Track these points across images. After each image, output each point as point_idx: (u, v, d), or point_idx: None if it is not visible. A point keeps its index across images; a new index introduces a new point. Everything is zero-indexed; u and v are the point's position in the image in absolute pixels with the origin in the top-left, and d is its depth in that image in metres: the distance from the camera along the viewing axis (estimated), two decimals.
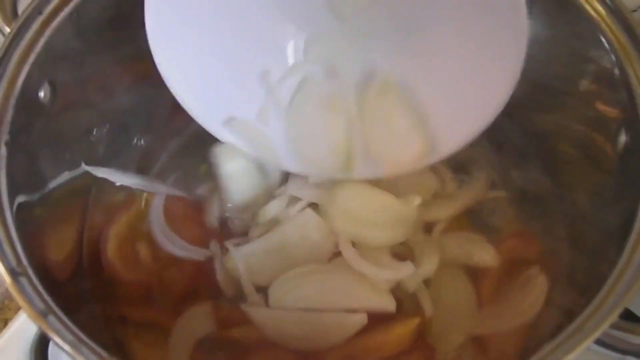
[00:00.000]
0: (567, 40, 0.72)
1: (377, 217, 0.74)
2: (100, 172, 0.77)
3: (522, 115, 0.79)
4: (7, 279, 0.53)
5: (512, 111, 0.66)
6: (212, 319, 0.74)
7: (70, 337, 0.51)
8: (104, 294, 0.76)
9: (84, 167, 0.76)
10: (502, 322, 0.72)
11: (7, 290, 0.86)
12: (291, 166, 0.76)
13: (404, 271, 0.73)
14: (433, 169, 0.81)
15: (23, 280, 0.54)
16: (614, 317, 0.53)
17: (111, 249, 0.77)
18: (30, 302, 0.52)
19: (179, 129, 0.86)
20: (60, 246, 0.72)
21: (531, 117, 0.81)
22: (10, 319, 0.84)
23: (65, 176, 0.73)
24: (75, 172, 0.75)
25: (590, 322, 0.53)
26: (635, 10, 0.84)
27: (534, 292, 0.72)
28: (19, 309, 0.84)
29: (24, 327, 0.80)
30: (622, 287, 0.53)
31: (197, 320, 0.73)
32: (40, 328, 0.52)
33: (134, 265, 0.77)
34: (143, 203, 0.81)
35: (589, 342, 0.51)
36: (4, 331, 0.82)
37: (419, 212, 0.76)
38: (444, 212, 0.80)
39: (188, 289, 0.77)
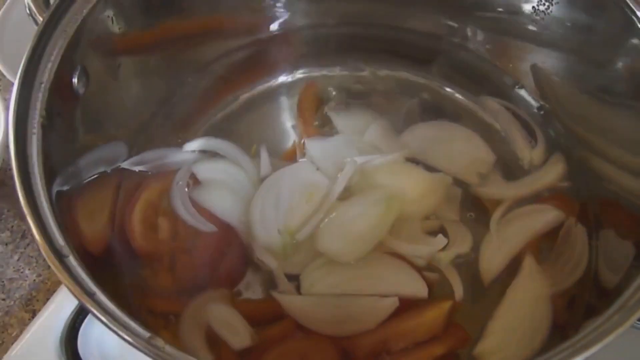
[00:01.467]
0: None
1: (410, 188, 0.77)
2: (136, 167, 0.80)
3: None
4: (54, 261, 0.53)
5: None
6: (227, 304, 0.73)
7: (117, 315, 0.51)
8: (134, 280, 0.76)
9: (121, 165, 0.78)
10: (564, 277, 0.74)
11: (34, 281, 0.88)
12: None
13: (436, 245, 0.74)
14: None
15: (68, 261, 0.54)
16: None
17: (136, 223, 0.78)
18: (77, 282, 0.52)
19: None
20: (94, 230, 0.72)
21: None
22: (38, 310, 0.84)
23: (101, 169, 0.74)
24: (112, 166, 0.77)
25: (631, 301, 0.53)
26: None
27: (578, 241, 0.75)
28: (47, 300, 0.84)
29: (52, 318, 0.81)
30: None
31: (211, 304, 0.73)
32: (86, 308, 0.52)
33: (154, 240, 0.78)
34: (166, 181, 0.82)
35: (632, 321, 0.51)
36: (32, 322, 0.82)
37: (474, 190, 0.80)
38: (510, 192, 0.81)
39: (202, 275, 0.76)
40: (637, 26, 0.68)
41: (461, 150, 0.84)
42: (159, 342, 0.50)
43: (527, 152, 0.83)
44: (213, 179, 0.80)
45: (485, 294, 0.74)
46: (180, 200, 0.78)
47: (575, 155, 0.83)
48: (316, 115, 0.88)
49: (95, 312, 0.51)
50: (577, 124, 0.83)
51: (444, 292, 0.74)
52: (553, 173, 0.81)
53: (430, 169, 0.82)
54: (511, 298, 0.72)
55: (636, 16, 0.68)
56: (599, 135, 0.78)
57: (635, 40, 0.68)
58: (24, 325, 0.84)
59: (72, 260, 0.55)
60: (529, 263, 0.74)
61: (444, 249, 0.76)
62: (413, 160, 0.82)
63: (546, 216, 0.77)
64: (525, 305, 0.71)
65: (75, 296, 0.52)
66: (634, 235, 0.69)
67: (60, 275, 0.53)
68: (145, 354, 0.49)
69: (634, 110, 0.70)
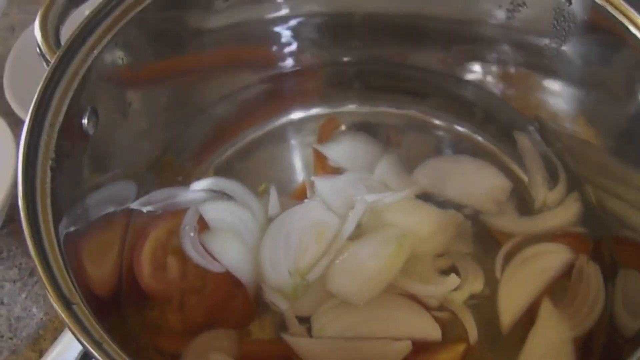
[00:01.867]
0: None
1: (421, 226, 0.76)
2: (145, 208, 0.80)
3: None
4: (62, 309, 0.53)
5: None
6: (233, 346, 0.73)
7: None
8: (141, 319, 0.76)
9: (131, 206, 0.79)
10: (582, 318, 0.72)
11: (41, 319, 0.87)
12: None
13: (449, 284, 0.73)
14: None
15: (76, 309, 0.53)
16: None
17: (145, 262, 0.77)
18: (85, 331, 0.52)
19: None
20: (102, 271, 0.72)
21: None
22: (45, 349, 0.83)
23: (109, 210, 0.74)
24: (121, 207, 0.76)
25: None
26: None
27: (592, 280, 0.74)
28: (54, 339, 0.83)
29: (59, 357, 0.80)
30: None
31: (215, 343, 0.72)
32: (94, 356, 0.51)
33: (163, 280, 0.77)
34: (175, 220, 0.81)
35: None
36: None
37: (487, 221, 0.80)
38: (523, 227, 0.80)
39: (212, 316, 0.75)
40: None
41: (476, 179, 0.84)
42: None
43: (543, 193, 0.82)
44: (220, 220, 0.79)
45: (504, 340, 0.73)
46: (189, 241, 0.78)
47: (588, 195, 0.82)
48: None
49: None
50: (589, 168, 0.82)
51: (458, 334, 0.73)
52: (568, 214, 0.80)
53: (443, 203, 0.81)
54: (532, 344, 0.70)
55: None
56: (613, 179, 0.78)
57: None
58: None
59: (80, 308, 0.54)
60: (546, 307, 0.73)
61: (456, 288, 0.75)
62: (425, 195, 0.82)
63: (561, 257, 0.76)
64: (547, 351, 0.70)
65: (83, 345, 0.51)
66: None
67: (69, 324, 0.52)
68: None
69: None
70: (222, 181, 0.83)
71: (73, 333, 0.51)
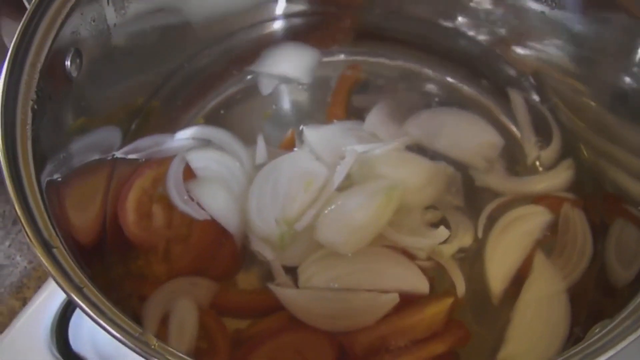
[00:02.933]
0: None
1: (410, 177, 0.76)
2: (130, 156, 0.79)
3: None
4: (41, 252, 0.51)
5: None
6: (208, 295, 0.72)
7: (105, 309, 0.49)
8: (125, 268, 0.75)
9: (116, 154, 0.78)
10: (572, 267, 0.72)
11: (25, 268, 0.86)
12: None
13: (438, 237, 0.73)
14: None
15: (57, 252, 0.52)
16: None
17: (130, 210, 0.76)
18: (65, 275, 0.50)
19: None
20: (85, 219, 0.70)
21: None
22: (29, 297, 0.82)
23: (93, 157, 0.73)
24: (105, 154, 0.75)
25: None
26: None
27: (578, 227, 0.74)
28: (38, 287, 0.82)
29: (43, 306, 0.79)
30: None
31: (187, 289, 0.72)
32: (74, 302, 0.50)
33: (148, 228, 0.76)
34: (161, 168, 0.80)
35: None
36: (23, 310, 0.80)
37: (476, 177, 0.79)
38: (512, 186, 0.79)
39: (197, 266, 0.75)
40: None
41: (467, 134, 0.82)
42: (151, 340, 0.48)
43: (535, 151, 0.81)
44: (207, 168, 0.78)
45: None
46: (175, 189, 0.76)
47: (581, 154, 0.81)
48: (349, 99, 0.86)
49: (83, 306, 0.49)
50: (583, 126, 0.81)
51: (446, 288, 0.72)
52: (559, 180, 0.79)
53: (434, 155, 0.80)
54: (526, 298, 0.70)
55: None
56: (606, 138, 0.77)
57: None
58: (14, 313, 0.82)
59: (61, 252, 0.52)
60: (539, 260, 0.72)
61: (445, 241, 0.74)
62: (417, 147, 0.81)
63: (544, 219, 0.76)
64: (542, 303, 0.70)
65: (63, 289, 0.50)
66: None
67: (48, 266, 0.51)
68: (135, 351, 0.47)
69: None
70: (209, 129, 0.82)
71: (53, 277, 0.50)
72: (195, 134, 0.81)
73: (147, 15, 0.75)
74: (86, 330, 0.76)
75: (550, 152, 0.81)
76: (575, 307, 0.70)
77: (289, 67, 0.87)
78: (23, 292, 0.85)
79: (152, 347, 0.47)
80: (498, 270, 0.72)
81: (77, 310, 0.76)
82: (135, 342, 0.47)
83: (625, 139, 0.73)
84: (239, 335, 0.71)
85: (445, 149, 0.81)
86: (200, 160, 0.78)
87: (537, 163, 0.81)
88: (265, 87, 0.87)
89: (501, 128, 0.84)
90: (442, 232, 0.74)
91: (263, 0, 0.89)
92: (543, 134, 0.83)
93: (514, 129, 0.85)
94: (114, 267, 0.74)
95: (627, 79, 0.71)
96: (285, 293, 0.70)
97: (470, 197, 0.79)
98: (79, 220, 0.68)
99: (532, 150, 0.81)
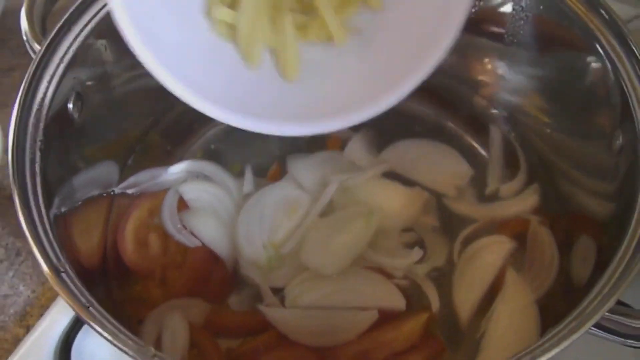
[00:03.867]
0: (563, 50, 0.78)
1: (388, 202, 0.81)
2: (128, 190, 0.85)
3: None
4: (51, 276, 0.57)
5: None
6: (200, 315, 0.77)
7: (110, 326, 0.55)
8: (125, 293, 0.80)
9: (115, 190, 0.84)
10: (541, 280, 0.78)
11: (28, 297, 0.90)
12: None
13: (412, 257, 0.79)
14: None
15: (64, 276, 0.58)
16: (611, 303, 0.57)
17: (128, 240, 0.81)
18: (74, 295, 0.56)
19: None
20: (88, 248, 0.77)
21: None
22: (32, 325, 0.86)
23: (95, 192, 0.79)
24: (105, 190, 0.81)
25: (589, 308, 0.57)
26: (630, 21, 0.90)
27: (545, 241, 0.80)
28: (40, 315, 0.86)
29: (46, 332, 0.83)
30: (620, 274, 0.58)
31: (180, 309, 0.77)
32: (83, 319, 0.55)
33: (146, 256, 0.82)
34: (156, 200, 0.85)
35: (587, 327, 0.55)
36: (26, 337, 0.84)
37: (448, 204, 0.84)
38: (482, 212, 0.84)
39: (191, 290, 0.80)
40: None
41: (439, 164, 0.88)
42: (150, 351, 0.53)
43: (496, 183, 0.87)
44: (198, 199, 0.84)
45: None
46: (170, 220, 0.82)
47: (546, 181, 0.86)
48: None
49: (91, 323, 0.55)
50: (548, 149, 0.87)
51: (422, 304, 0.78)
52: (526, 204, 0.85)
53: (409, 182, 0.86)
54: (499, 310, 0.75)
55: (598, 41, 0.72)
56: (570, 163, 0.83)
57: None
58: (18, 341, 0.86)
59: (69, 275, 0.58)
60: (510, 275, 0.78)
61: (420, 261, 0.80)
62: (392, 175, 0.86)
63: (507, 247, 0.81)
64: (514, 315, 0.75)
65: (73, 308, 0.56)
66: (595, 235, 0.74)
67: (58, 288, 0.56)
68: None
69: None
70: (201, 163, 0.88)
71: (63, 297, 0.56)
72: (187, 167, 0.87)
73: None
74: (87, 353, 0.81)
75: (515, 184, 0.86)
76: (544, 315, 0.75)
77: None
78: (27, 320, 0.89)
79: (152, 356, 0.53)
80: (464, 299, 0.77)
81: (79, 335, 0.81)
82: (138, 352, 0.53)
83: (585, 161, 0.80)
84: (231, 354, 0.76)
85: (419, 177, 0.86)
86: (192, 192, 0.84)
87: (499, 194, 0.86)
88: None
89: (474, 156, 0.90)
90: (417, 252, 0.79)
91: None
92: (510, 167, 0.88)
93: (486, 157, 0.90)
94: (115, 291, 0.80)
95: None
96: (273, 313, 0.75)
97: (445, 219, 0.84)
98: (83, 249, 0.74)
99: (493, 182, 0.87)
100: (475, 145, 0.92)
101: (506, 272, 0.78)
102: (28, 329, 0.87)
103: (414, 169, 0.87)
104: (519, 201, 0.85)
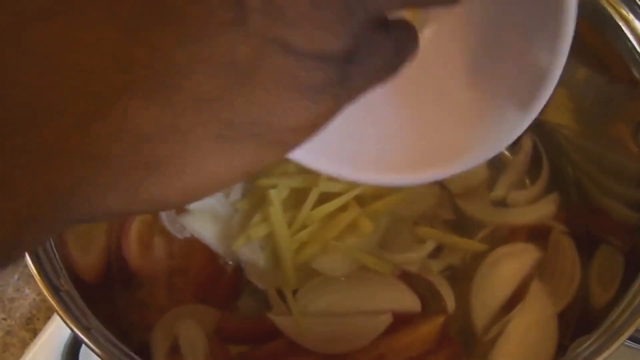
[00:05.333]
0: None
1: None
2: None
3: None
4: (51, 296, 0.55)
5: None
6: (212, 321, 0.75)
7: (113, 349, 0.53)
8: (130, 299, 0.78)
9: None
10: (562, 292, 0.74)
11: (34, 300, 0.89)
12: None
13: (427, 248, 0.76)
14: None
15: (64, 296, 0.55)
16: None
17: (133, 242, 0.79)
18: (74, 316, 0.54)
19: None
20: (92, 256, 0.75)
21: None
22: (39, 329, 0.85)
23: None
24: None
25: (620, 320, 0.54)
26: None
27: (567, 252, 0.76)
28: (47, 318, 0.85)
29: (53, 336, 0.82)
30: None
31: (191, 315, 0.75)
32: (84, 341, 0.53)
33: (151, 258, 0.80)
34: None
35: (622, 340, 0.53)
36: (33, 341, 0.83)
37: (460, 205, 0.81)
38: (494, 218, 0.81)
39: (198, 296, 0.78)
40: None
41: None
42: None
43: (504, 189, 0.82)
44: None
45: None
46: (168, 221, 0.80)
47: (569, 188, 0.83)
48: None
49: (92, 346, 0.53)
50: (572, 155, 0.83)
51: (437, 305, 0.75)
52: (543, 213, 0.80)
53: None
54: (517, 322, 0.72)
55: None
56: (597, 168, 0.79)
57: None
58: (25, 344, 0.85)
59: (69, 294, 0.56)
60: (535, 287, 0.74)
61: (435, 256, 0.77)
62: None
63: (533, 257, 0.77)
64: (531, 328, 0.72)
65: (72, 330, 0.54)
66: (624, 245, 0.70)
67: (58, 310, 0.54)
68: None
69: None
70: None
71: (63, 320, 0.54)
72: None
73: None
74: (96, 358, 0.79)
75: (525, 194, 0.82)
76: (562, 330, 0.72)
77: None
78: (33, 323, 0.88)
79: None
80: (483, 309, 0.74)
81: None
82: None
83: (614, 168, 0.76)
84: (243, 357, 0.74)
85: None
86: None
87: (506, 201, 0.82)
88: None
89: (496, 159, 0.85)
90: (430, 244, 0.76)
91: None
92: (530, 175, 0.84)
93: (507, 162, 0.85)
94: (119, 297, 0.78)
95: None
96: (283, 321, 0.72)
97: (460, 216, 0.81)
98: (85, 258, 0.71)
99: (501, 188, 0.82)
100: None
101: (531, 282, 0.75)
102: (35, 332, 0.87)
103: None
104: (534, 210, 0.80)
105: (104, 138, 0.24)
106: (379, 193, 0.77)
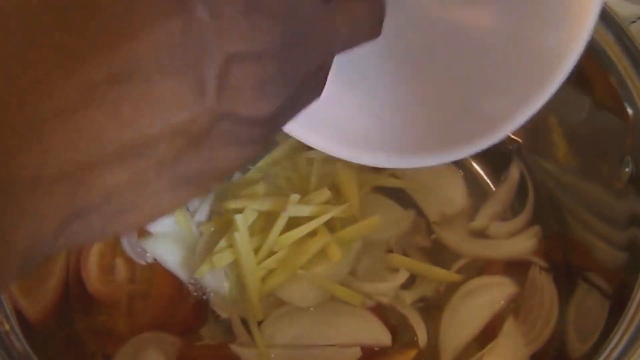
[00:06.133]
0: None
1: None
2: None
3: None
4: None
5: None
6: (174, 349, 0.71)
7: None
8: (88, 325, 0.75)
9: None
10: (536, 334, 0.71)
11: None
12: None
13: (399, 278, 0.72)
14: None
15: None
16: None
17: (92, 265, 0.75)
18: None
19: None
20: (47, 281, 0.71)
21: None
22: None
23: None
24: None
25: None
26: (634, 22, 0.81)
27: (545, 291, 0.72)
28: None
29: None
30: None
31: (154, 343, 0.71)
32: None
33: (111, 283, 0.76)
34: None
35: None
36: None
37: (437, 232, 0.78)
38: (470, 248, 0.77)
39: (159, 321, 0.74)
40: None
41: (437, 185, 0.80)
42: None
43: (486, 219, 0.79)
44: (159, 222, 0.76)
45: None
46: (129, 245, 0.76)
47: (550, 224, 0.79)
48: None
49: None
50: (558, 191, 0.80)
51: (408, 338, 0.72)
52: (523, 246, 0.77)
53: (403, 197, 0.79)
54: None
55: None
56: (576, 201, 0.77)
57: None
58: None
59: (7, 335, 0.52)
60: (509, 325, 0.71)
61: (407, 287, 0.74)
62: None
63: (508, 290, 0.74)
64: None
65: None
66: (606, 286, 0.67)
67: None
68: None
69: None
70: None
71: None
72: None
73: None
74: None
75: (507, 226, 0.79)
76: None
77: None
78: None
79: None
80: (450, 343, 0.71)
81: None
82: None
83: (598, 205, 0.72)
84: None
85: (413, 193, 0.80)
86: None
87: (487, 232, 0.79)
88: None
89: (479, 188, 0.82)
90: (403, 273, 0.73)
91: None
92: (513, 206, 0.81)
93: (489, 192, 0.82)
94: (77, 323, 0.74)
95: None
96: (247, 353, 0.69)
97: (436, 245, 0.78)
98: (40, 284, 0.68)
99: (482, 218, 0.79)
100: (484, 176, 0.83)
101: (505, 319, 0.71)
102: None
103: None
104: (515, 243, 0.77)
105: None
106: (351, 218, 0.74)
